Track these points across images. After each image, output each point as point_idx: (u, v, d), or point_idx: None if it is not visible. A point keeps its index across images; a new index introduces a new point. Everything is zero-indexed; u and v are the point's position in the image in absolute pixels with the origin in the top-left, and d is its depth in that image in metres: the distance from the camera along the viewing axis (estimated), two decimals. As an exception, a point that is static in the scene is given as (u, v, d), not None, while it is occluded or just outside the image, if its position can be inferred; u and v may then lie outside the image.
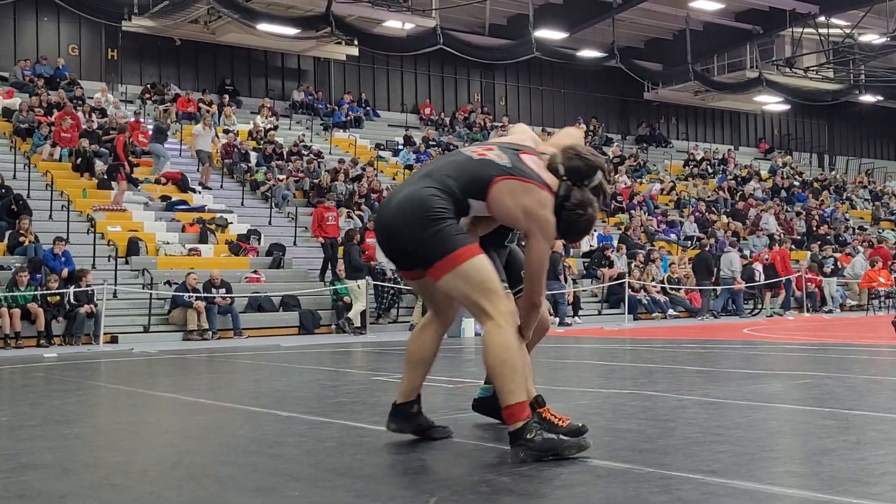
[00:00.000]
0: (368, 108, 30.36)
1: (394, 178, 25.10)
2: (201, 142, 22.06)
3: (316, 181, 22.80)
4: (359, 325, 17.15)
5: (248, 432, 5.04)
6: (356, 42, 26.85)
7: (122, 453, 4.50)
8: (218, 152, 23.24)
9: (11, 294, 14.66)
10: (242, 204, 21.63)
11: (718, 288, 22.12)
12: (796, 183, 34.29)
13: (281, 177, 22.61)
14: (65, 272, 15.71)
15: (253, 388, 7.81)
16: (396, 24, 27.17)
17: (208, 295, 16.22)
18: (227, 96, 26.90)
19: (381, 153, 27.16)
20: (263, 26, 24.69)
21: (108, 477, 3.80)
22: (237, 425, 5.43)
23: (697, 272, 22.16)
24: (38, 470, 3.91)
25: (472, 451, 4.28)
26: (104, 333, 14.88)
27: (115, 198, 19.25)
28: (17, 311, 14.45)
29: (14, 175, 19.17)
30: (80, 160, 20.33)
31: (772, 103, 36.15)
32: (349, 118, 28.93)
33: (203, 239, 18.89)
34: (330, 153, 25.85)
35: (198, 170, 22.19)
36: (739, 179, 33.36)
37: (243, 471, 3.92)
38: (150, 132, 22.26)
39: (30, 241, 16.40)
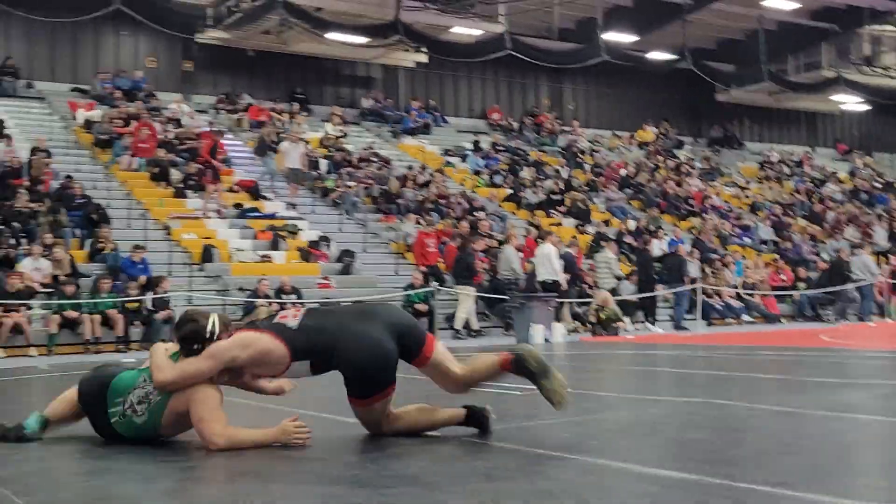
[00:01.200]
0: (437, 115, 30.47)
1: (461, 184, 25.15)
2: (289, 159, 21.92)
3: (385, 188, 22.97)
4: (460, 328, 17.30)
5: (319, 434, 5.06)
6: (425, 49, 26.98)
7: (190, 461, 4.58)
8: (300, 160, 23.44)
9: (94, 300, 15.06)
10: (313, 211, 21.89)
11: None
12: (877, 184, 33.42)
13: (351, 184, 22.82)
14: (143, 279, 16.09)
15: (325, 394, 7.87)
16: (465, 30, 27.23)
17: (279, 301, 16.45)
18: (297, 105, 27.26)
19: (450, 159, 27.22)
20: (333, 35, 24.98)
21: (176, 483, 3.88)
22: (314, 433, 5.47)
23: (833, 279, 21.74)
24: (115, 474, 4.01)
25: (533, 459, 4.26)
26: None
27: (204, 204, 19.58)
28: (97, 318, 14.84)
29: (95, 185, 19.68)
30: (156, 169, 20.82)
31: (851, 103, 35.29)
32: (417, 125, 29.07)
33: (274, 246, 19.17)
34: (399, 160, 26.01)
35: (268, 183, 22.48)
36: (816, 182, 32.64)
37: (308, 477, 3.97)
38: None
39: (109, 249, 16.83)
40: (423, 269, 18.68)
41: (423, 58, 27.67)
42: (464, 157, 27.45)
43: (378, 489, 3.60)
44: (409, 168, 24.45)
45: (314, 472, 4.05)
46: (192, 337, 4.68)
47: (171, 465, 4.31)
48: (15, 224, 16.72)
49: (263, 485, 3.72)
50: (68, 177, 19.00)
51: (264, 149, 22.94)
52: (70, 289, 14.98)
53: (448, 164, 26.68)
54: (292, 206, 21.45)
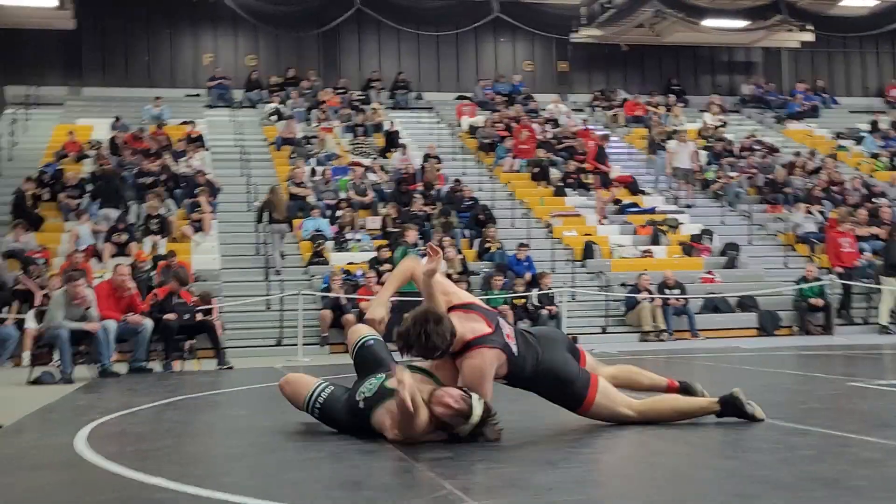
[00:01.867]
0: (825, 96, 28.41)
1: (857, 168, 23.22)
2: (678, 159, 21.18)
3: (770, 177, 21.81)
4: (885, 323, 16.14)
5: (720, 436, 4.84)
6: (810, 27, 25.27)
7: (596, 449, 4.54)
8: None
9: (486, 297, 15.79)
10: (694, 204, 21.30)
11: None
12: None
13: (732, 174, 21.92)
14: (528, 276, 16.59)
15: (716, 391, 7.55)
16: (856, 2, 25.11)
17: (662, 296, 16.18)
18: (673, 96, 26.75)
19: (842, 142, 25.23)
20: (710, 22, 24.20)
21: (588, 472, 3.84)
22: (708, 429, 5.24)
23: None
24: (524, 462, 4.06)
25: None
26: (566, 334, 15.42)
27: (600, 208, 19.69)
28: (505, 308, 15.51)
29: (480, 187, 20.67)
30: (536, 169, 21.42)
31: None
32: (804, 108, 27.29)
33: (655, 240, 18.91)
34: (784, 146, 24.58)
35: (651, 183, 22.25)
36: None
37: (720, 475, 3.76)
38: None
39: (496, 248, 17.57)
40: (839, 269, 17.32)
41: (809, 36, 25.91)
42: (859, 140, 25.29)
43: (797, 492, 3.30)
44: (797, 154, 23.01)
45: (726, 470, 3.83)
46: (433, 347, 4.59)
47: (576, 453, 4.30)
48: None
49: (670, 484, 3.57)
50: (457, 180, 20.12)
51: (654, 148, 22.57)
52: (461, 286, 15.80)
53: (840, 147, 24.74)
54: (674, 201, 21.00)
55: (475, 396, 4.47)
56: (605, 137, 20.98)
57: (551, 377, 4.83)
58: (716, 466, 3.93)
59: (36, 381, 10.17)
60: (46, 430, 5.44)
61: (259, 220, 17.70)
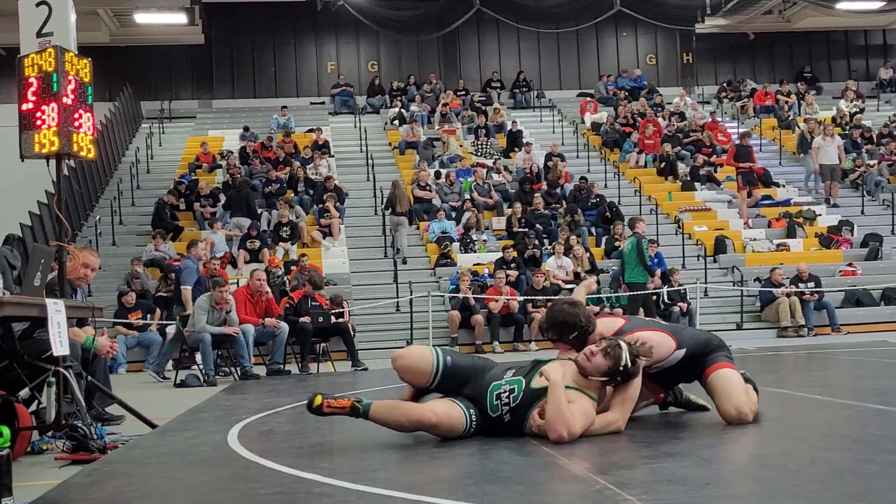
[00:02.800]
0: (969, 76, 26.96)
1: None
2: (823, 154, 19.92)
3: (915, 163, 20.82)
4: None
5: (878, 430, 4.62)
6: (951, 4, 24.03)
7: (757, 445, 4.39)
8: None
9: (616, 294, 15.58)
10: (830, 194, 20.50)
11: None
12: None
13: (872, 162, 21.01)
14: (658, 272, 16.27)
15: (869, 385, 7.23)
16: None
17: (795, 290, 15.62)
18: (805, 84, 25.84)
19: None
20: (844, 5, 23.27)
21: (747, 468, 3.71)
22: (865, 423, 5.01)
23: None
24: (676, 458, 3.96)
25: None
26: (700, 331, 15.05)
27: (741, 211, 19.09)
28: (618, 311, 15.28)
29: (605, 184, 20.41)
30: (663, 164, 21.01)
31: None
32: (948, 90, 25.99)
33: (791, 233, 18.28)
34: (926, 131, 23.40)
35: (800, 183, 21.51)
36: None
37: (887, 469, 3.58)
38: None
39: (623, 245, 17.28)
40: None
41: (949, 14, 24.65)
42: None
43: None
44: (940, 139, 21.88)
45: (891, 464, 3.65)
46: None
47: (724, 450, 4.18)
48: (538, 226, 17.90)
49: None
50: (582, 178, 19.91)
51: (805, 147, 21.54)
52: (592, 278, 15.61)
53: None
54: (835, 205, 19.88)
55: (611, 339, 4.58)
56: (747, 135, 20.00)
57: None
58: (879, 461, 3.75)
59: (181, 384, 10.56)
60: (199, 429, 5.61)
61: (386, 210, 18.18)
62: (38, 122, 5.64)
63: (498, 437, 4.48)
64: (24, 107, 5.71)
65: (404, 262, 17.37)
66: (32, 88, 5.68)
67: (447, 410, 4.44)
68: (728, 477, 3.55)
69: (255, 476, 3.87)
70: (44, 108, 5.65)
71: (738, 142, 19.53)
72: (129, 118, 24.18)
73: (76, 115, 5.76)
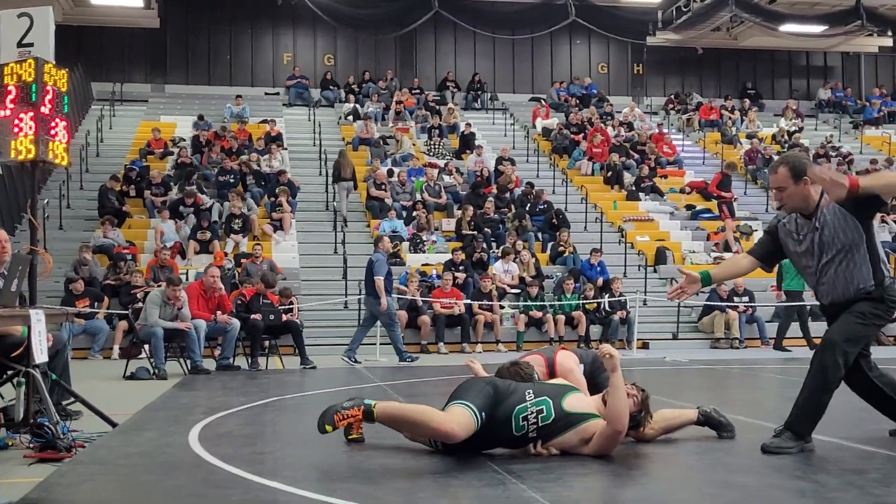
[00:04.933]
0: (904, 102, 28.01)
1: (937, 177, 22.85)
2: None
3: (846, 184, 21.61)
4: None
5: (796, 456, 5.01)
6: (890, 32, 24.95)
7: (671, 464, 4.80)
8: (741, 158, 23.13)
9: (559, 301, 16.04)
10: (767, 210, 21.22)
11: None
12: None
13: (808, 181, 21.76)
14: (600, 281, 16.79)
15: (786, 406, 7.69)
16: (938, 7, 24.71)
17: (730, 304, 16.24)
18: (748, 100, 26.64)
19: (922, 149, 24.89)
20: (788, 27, 24.05)
21: (669, 489, 4.11)
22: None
23: None
24: (604, 476, 4.34)
25: None
26: (637, 339, 15.62)
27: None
28: (560, 317, 15.77)
29: (553, 190, 20.88)
30: (610, 173, 21.55)
31: None
32: (881, 114, 26.95)
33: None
34: (861, 153, 24.32)
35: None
36: None
37: (792, 496, 3.99)
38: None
39: (569, 252, 17.79)
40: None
41: (888, 41, 25.59)
42: (937, 147, 24.92)
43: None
44: (873, 161, 22.75)
45: (796, 491, 4.07)
46: None
47: (653, 469, 4.57)
48: (486, 229, 18.30)
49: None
50: (529, 183, 20.36)
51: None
52: (534, 290, 16.08)
53: (919, 155, 24.41)
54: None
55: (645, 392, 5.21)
56: (732, 166, 20.85)
57: None
58: (786, 487, 4.17)
59: (131, 377, 10.75)
60: (160, 430, 5.88)
61: (334, 181, 19.44)
62: (16, 130, 5.87)
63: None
64: (2, 113, 5.93)
65: (345, 224, 18.60)
66: (11, 96, 5.90)
67: (466, 423, 4.60)
68: (654, 499, 3.94)
69: (222, 482, 4.17)
70: (21, 115, 5.87)
71: (724, 171, 20.18)
72: (79, 99, 23.96)
73: (52, 124, 6.00)
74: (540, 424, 4.75)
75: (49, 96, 5.94)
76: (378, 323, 13.12)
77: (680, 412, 5.62)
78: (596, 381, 5.63)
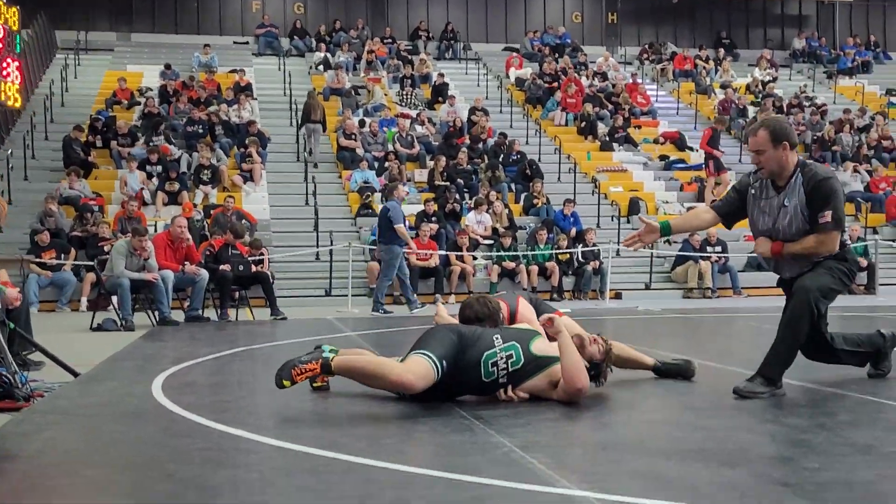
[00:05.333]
0: (878, 51, 27.97)
1: (908, 127, 22.95)
2: None
3: (819, 134, 21.64)
4: None
5: (767, 401, 4.98)
6: (865, -20, 24.87)
7: (645, 410, 4.76)
8: (714, 108, 23.06)
9: (532, 252, 15.98)
10: (740, 161, 21.21)
11: None
12: None
13: (781, 131, 21.75)
14: (573, 231, 16.74)
15: (756, 354, 7.70)
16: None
17: (702, 254, 16.26)
18: (723, 50, 26.50)
19: (893, 99, 24.90)
20: (762, -25, 23.85)
21: (641, 434, 4.06)
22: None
23: None
24: (577, 422, 4.28)
25: None
26: (609, 290, 15.62)
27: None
28: (534, 268, 15.72)
29: (526, 141, 20.74)
30: (584, 124, 21.43)
31: None
32: (855, 63, 26.94)
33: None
34: (834, 102, 24.33)
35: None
36: None
37: (761, 438, 3.96)
38: None
39: (542, 203, 17.70)
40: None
41: (864, -10, 25.51)
42: (910, 97, 24.98)
43: (832, 457, 3.49)
44: (846, 111, 22.77)
45: (767, 434, 4.03)
46: None
47: (629, 415, 4.52)
48: (459, 180, 18.15)
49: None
50: (502, 134, 20.19)
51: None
52: (507, 240, 16.01)
53: (891, 104, 24.44)
54: None
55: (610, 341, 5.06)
56: (721, 121, 20.53)
57: None
58: (756, 430, 4.13)
59: (98, 328, 10.59)
60: (123, 379, 5.77)
61: (301, 123, 19.54)
62: (-33, 70, 5.63)
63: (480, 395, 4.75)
64: (-48, 53, 5.69)
65: (315, 167, 18.79)
66: (-40, 35, 5.65)
67: (425, 373, 4.46)
68: (625, 442, 3.88)
69: (184, 431, 4.07)
70: (-28, 56, 5.64)
71: (714, 126, 19.96)
72: (42, 47, 23.43)
73: (3, 65, 5.77)
74: (510, 369, 4.68)
75: None
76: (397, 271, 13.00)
77: (639, 354, 5.60)
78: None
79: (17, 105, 5.96)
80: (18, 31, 5.56)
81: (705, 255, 16.29)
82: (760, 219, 5.16)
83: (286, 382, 4.41)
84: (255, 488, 3.02)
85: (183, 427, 4.16)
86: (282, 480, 3.14)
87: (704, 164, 19.46)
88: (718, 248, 16.55)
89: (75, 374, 6.15)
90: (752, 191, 5.21)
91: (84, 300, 14.11)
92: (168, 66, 22.57)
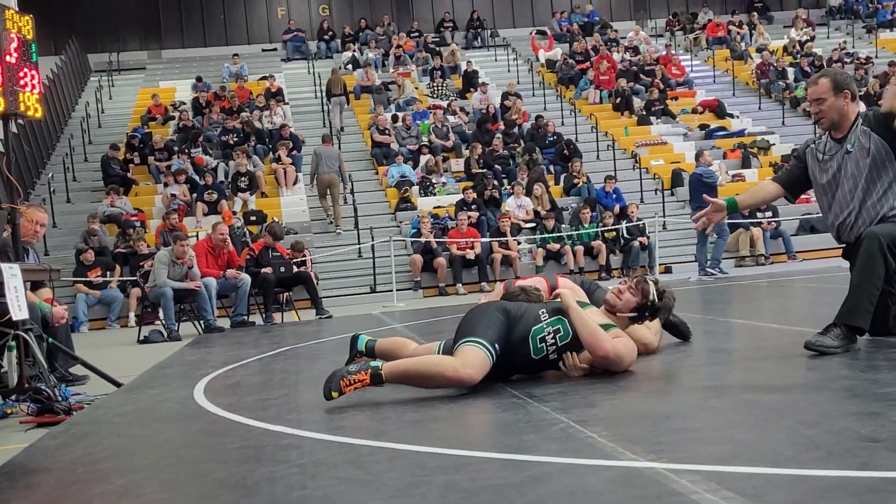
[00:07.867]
0: (918, 1, 27.15)
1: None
2: None
3: (863, 90, 21.01)
4: None
5: (839, 357, 4.70)
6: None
7: (713, 377, 4.49)
8: (752, 73, 22.52)
9: (577, 232, 15.67)
10: (783, 124, 20.71)
11: None
12: None
13: (823, 90, 21.18)
14: (616, 208, 16.40)
15: (826, 312, 7.37)
16: None
17: (753, 220, 15.81)
18: (756, 14, 25.89)
19: (939, 48, 24.19)
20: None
21: (704, 398, 3.80)
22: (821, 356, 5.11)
23: None
24: (634, 392, 4.03)
25: None
26: (659, 264, 15.26)
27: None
28: (579, 248, 15.42)
29: (562, 122, 20.41)
30: (619, 100, 21.04)
31: None
32: (895, 15, 26.16)
33: (745, 163, 18.47)
34: (877, 57, 23.63)
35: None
36: None
37: (840, 395, 3.68)
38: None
39: (582, 182, 17.38)
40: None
41: (898, -62, 24.75)
42: (955, 44, 24.21)
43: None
44: (891, 64, 22.09)
45: (847, 390, 3.75)
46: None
47: (682, 383, 4.26)
48: (496, 166, 17.89)
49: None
50: (539, 116, 19.89)
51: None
52: (550, 222, 15.72)
53: (937, 53, 23.73)
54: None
55: (639, 276, 4.82)
56: (668, 58, 20.35)
57: None
58: (831, 386, 3.85)
59: (145, 341, 10.52)
60: (165, 386, 5.62)
61: (327, 97, 20.60)
62: (-18, 83, 5.51)
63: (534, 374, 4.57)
64: (-35, 68, 5.57)
65: (341, 131, 19.85)
66: (-28, 49, 5.53)
67: (482, 363, 4.22)
68: (691, 408, 3.63)
69: (223, 430, 3.89)
70: (-14, 68, 5.51)
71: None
72: (76, 72, 23.65)
73: (21, 74, 5.64)
74: (559, 344, 4.44)
75: (14, 44, 5.57)
76: None
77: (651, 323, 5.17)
78: (592, 298, 5.35)
79: (38, 115, 5.80)
80: (33, 39, 5.41)
81: (756, 221, 15.86)
82: (823, 177, 4.96)
83: (335, 394, 4.18)
84: (294, 483, 2.81)
85: (221, 426, 3.97)
86: (323, 473, 2.93)
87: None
88: (769, 214, 16.10)
89: (118, 385, 6.02)
90: (813, 151, 5.03)
91: (132, 315, 14.09)
92: (199, 79, 22.59)
